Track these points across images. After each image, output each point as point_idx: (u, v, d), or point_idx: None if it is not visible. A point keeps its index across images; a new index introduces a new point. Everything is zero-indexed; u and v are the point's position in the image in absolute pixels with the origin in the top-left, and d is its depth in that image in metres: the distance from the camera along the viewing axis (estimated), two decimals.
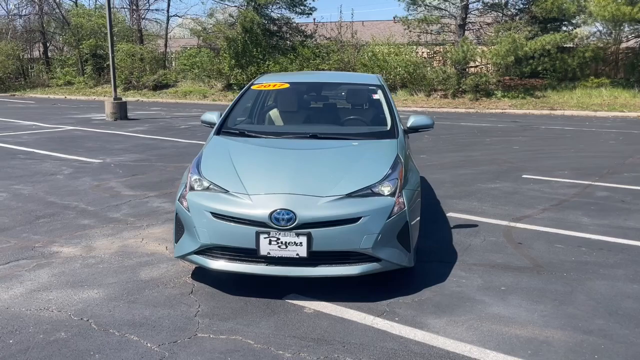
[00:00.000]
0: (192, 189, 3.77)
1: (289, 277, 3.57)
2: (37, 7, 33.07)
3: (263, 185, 3.63)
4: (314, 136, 4.43)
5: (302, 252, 3.42)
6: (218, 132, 4.59)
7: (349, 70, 23.06)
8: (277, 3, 24.74)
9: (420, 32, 23.07)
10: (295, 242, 3.41)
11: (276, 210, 3.43)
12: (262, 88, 5.26)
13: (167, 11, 30.11)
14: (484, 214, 5.86)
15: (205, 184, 3.74)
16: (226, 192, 3.64)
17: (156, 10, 31.73)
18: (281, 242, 3.42)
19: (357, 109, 5.18)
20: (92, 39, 29.24)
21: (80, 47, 29.79)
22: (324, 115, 5.05)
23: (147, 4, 30.07)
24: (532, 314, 3.45)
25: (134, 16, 29.59)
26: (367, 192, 3.63)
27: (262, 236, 3.43)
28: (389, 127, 4.58)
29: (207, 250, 3.60)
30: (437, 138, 12.53)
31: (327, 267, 3.50)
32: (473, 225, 5.47)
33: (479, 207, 6.17)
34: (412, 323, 3.30)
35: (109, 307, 3.48)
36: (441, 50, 22.53)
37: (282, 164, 3.95)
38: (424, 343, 3.06)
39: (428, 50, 23.50)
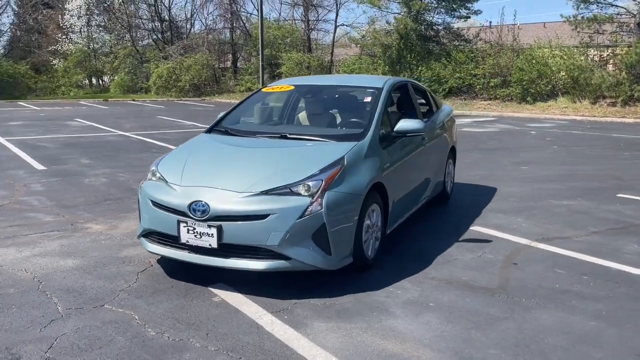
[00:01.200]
0: (149, 179, 4.23)
1: (204, 266, 3.81)
2: (228, 22, 37.13)
3: (195, 178, 3.94)
4: (284, 136, 4.58)
5: (214, 243, 3.66)
6: (209, 131, 4.98)
7: (505, 75, 21.82)
8: (436, 8, 24.38)
9: (592, 33, 20.82)
10: (207, 233, 3.66)
11: (194, 201, 3.71)
12: (271, 90, 5.53)
13: (335, 21, 31.56)
14: (513, 231, 5.38)
15: (157, 175, 4.17)
16: (166, 182, 4.02)
17: (324, 20, 33.10)
18: (197, 232, 3.69)
19: (344, 111, 5.16)
20: (268, 49, 31.89)
21: (258, 56, 32.68)
22: (314, 117, 5.13)
23: (317, 15, 31.82)
24: (428, 333, 3.22)
25: (304, 27, 31.56)
26: (285, 190, 3.71)
27: (182, 225, 3.75)
28: (361, 131, 4.52)
29: (148, 234, 4.03)
30: (563, 149, 11.44)
31: (237, 260, 3.67)
32: (485, 240, 5.08)
33: (516, 224, 5.66)
34: (294, 324, 3.32)
35: (67, 274, 4.09)
36: (612, 52, 20.06)
37: (224, 161, 4.21)
38: (282, 342, 3.09)
39: (598, 53, 21.09)
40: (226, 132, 4.86)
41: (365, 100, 4.96)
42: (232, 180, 3.84)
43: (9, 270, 4.17)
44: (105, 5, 45.07)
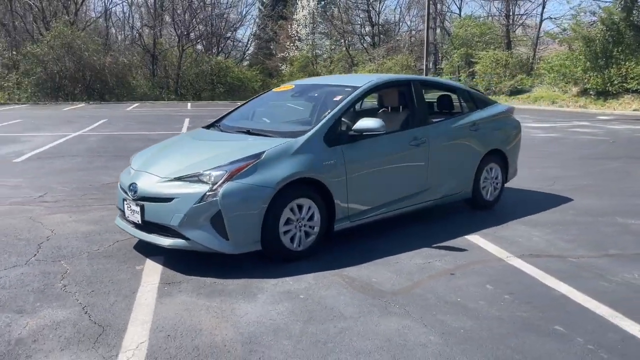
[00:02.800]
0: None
1: (138, 239, 4.52)
2: (431, 21, 37.21)
3: (142, 164, 4.68)
4: (247, 131, 5.03)
5: (139, 219, 4.36)
6: (208, 126, 5.65)
7: None
8: None
9: None
10: (136, 211, 4.38)
11: (132, 183, 4.46)
12: (278, 90, 5.97)
13: (541, 15, 29.26)
14: (507, 244, 4.97)
15: (130, 162, 5.03)
16: (130, 167, 4.84)
17: (525, 14, 30.75)
18: (131, 209, 4.44)
19: (314, 109, 5.31)
20: (464, 47, 31.13)
21: (454, 55, 32.14)
22: (283, 114, 5.40)
23: (519, 10, 29.87)
24: (259, 318, 3.43)
25: (505, 22, 29.92)
26: (194, 178, 4.20)
27: (125, 202, 4.53)
28: (303, 129, 4.73)
29: (120, 211, 4.91)
30: None
31: (154, 235, 4.30)
32: (459, 249, 4.81)
33: (524, 236, 5.20)
34: (163, 293, 3.81)
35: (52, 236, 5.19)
36: None
37: (173, 151, 4.83)
38: (136, 303, 3.62)
39: None
40: (218, 128, 5.47)
41: (335, 98, 5.09)
42: (163, 167, 4.48)
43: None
44: (327, 14, 48.61)
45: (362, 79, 5.44)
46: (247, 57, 54.94)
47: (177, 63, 35.83)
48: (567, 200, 6.68)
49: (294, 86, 5.92)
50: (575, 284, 3.99)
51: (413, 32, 40.15)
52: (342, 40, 45.95)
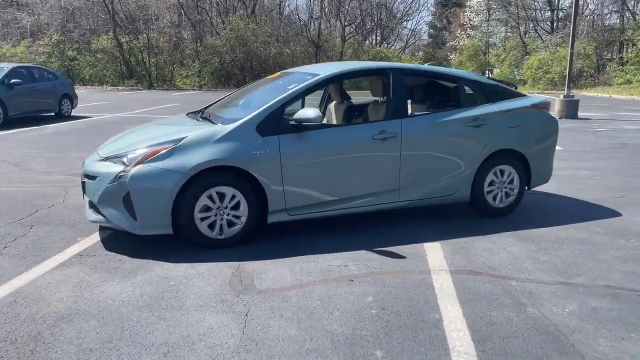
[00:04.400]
0: None
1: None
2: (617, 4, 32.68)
3: (103, 144, 5.05)
4: (207, 117, 5.10)
5: (82, 194, 4.77)
6: (193, 112, 5.79)
7: None
8: None
9: None
10: (82, 188, 4.79)
11: (84, 160, 4.89)
12: (269, 77, 5.87)
13: None
14: (463, 257, 4.41)
15: None
16: None
17: None
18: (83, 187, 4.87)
19: (268, 98, 5.09)
20: None
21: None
22: (252, 101, 5.25)
23: None
24: (107, 294, 3.58)
25: None
26: (117, 159, 4.44)
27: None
28: (238, 117, 4.67)
29: None
30: None
31: (90, 210, 4.65)
32: (399, 256, 4.40)
33: (498, 252, 4.55)
34: (69, 265, 4.15)
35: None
36: None
37: (135, 133, 5.07)
38: (32, 271, 4.02)
39: None
40: (196, 114, 5.62)
41: (289, 87, 4.91)
42: (109, 147, 4.80)
43: None
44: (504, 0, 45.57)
45: (331, 67, 5.16)
46: (412, 46, 54.14)
47: (339, 53, 36.82)
48: (611, 214, 5.57)
49: (280, 74, 5.82)
50: (472, 310, 3.39)
51: (595, 17, 35.65)
52: (518, 27, 42.80)
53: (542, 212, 5.68)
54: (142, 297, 3.52)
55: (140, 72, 35.21)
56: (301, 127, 4.58)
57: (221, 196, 4.40)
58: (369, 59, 35.10)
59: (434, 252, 4.43)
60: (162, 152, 4.31)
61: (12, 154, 8.94)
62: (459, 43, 47.96)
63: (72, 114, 15.64)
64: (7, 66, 13.77)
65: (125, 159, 4.36)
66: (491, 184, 5.39)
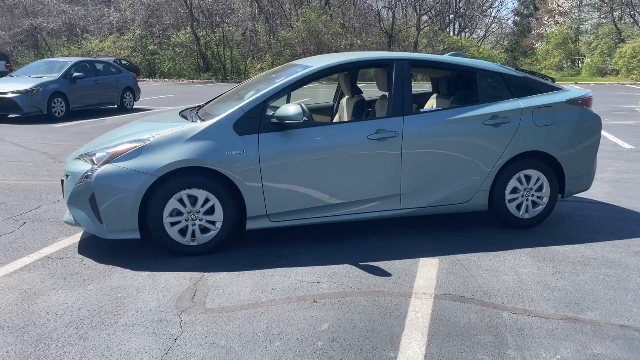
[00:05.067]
0: None
1: None
2: None
3: (90, 141, 4.87)
4: (197, 113, 4.79)
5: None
6: (192, 108, 5.48)
7: None
8: None
9: None
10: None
11: None
12: (275, 69, 5.45)
13: None
14: (459, 278, 3.82)
15: None
16: None
17: None
18: None
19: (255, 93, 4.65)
20: None
21: None
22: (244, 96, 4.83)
23: None
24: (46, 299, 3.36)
25: None
26: (87, 157, 4.20)
27: None
28: (217, 114, 4.30)
29: None
30: None
31: (67, 212, 4.48)
32: (386, 274, 3.89)
33: (503, 274, 3.92)
34: (33, 268, 4.00)
35: None
36: None
37: (120, 130, 4.82)
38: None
39: None
40: (191, 111, 5.29)
41: (276, 81, 4.47)
42: (89, 145, 4.60)
43: None
44: None
45: (332, 59, 4.67)
46: (496, 36, 51.57)
47: (414, 44, 35.72)
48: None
49: (284, 66, 5.39)
50: (438, 350, 2.84)
51: None
52: (612, 13, 39.54)
53: (577, 225, 4.89)
54: (79, 311, 3.26)
55: (216, 66, 35.98)
56: (284, 125, 4.13)
57: (193, 200, 4.07)
58: (445, 50, 33.74)
59: (427, 270, 3.86)
60: (130, 151, 4.03)
61: (56, 147, 9.14)
62: (545, 31, 45.13)
63: (135, 107, 16.03)
64: (71, 61, 14.29)
65: (94, 158, 4.12)
66: (514, 191, 4.69)
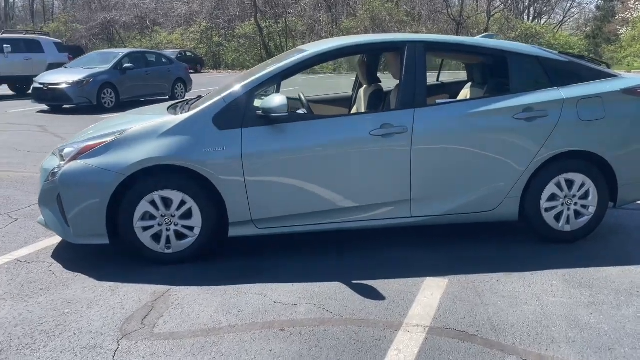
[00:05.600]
0: None
1: None
2: None
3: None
4: (187, 103, 4.34)
5: None
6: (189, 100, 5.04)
7: None
8: None
9: None
10: None
11: None
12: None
13: None
14: (468, 304, 3.16)
15: None
16: None
17: None
18: None
19: None
20: None
21: None
22: None
23: None
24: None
25: None
26: (58, 152, 3.85)
27: None
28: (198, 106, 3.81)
29: None
30: None
31: None
32: (375, 297, 3.30)
33: (524, 303, 3.22)
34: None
35: None
36: None
37: (107, 122, 4.44)
38: None
39: None
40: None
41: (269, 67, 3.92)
42: (71, 140, 4.24)
43: None
44: None
45: (334, 43, 4.06)
46: (577, 21, 48.41)
47: (483, 30, 34.04)
48: None
49: (292, 51, 4.82)
50: None
51: None
52: None
53: (633, 241, 4.04)
54: (14, 328, 2.88)
55: None
56: (271, 118, 3.59)
57: (167, 202, 3.61)
58: (517, 36, 31.92)
59: (430, 294, 3.21)
60: (99, 147, 3.62)
61: None
62: (632, 15, 41.71)
63: (186, 97, 15.98)
64: (122, 52, 14.38)
65: (63, 153, 3.75)
66: (552, 198, 3.92)
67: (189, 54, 33.24)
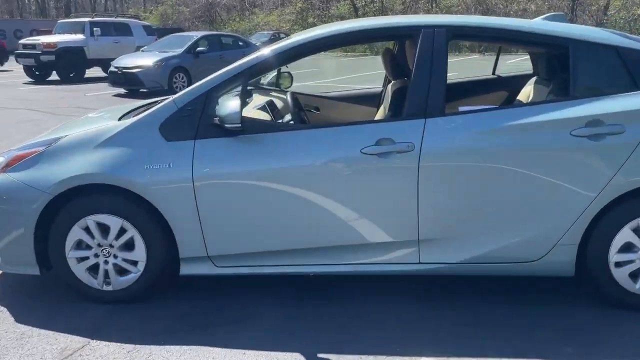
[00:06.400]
0: None
1: None
2: None
3: None
4: None
5: None
6: None
7: None
8: None
9: None
10: None
11: None
12: None
13: None
14: None
15: None
16: None
17: None
18: None
19: None
20: None
21: None
22: None
23: None
24: None
25: None
26: None
27: None
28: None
29: None
30: None
31: None
32: None
33: None
34: None
35: None
36: None
37: (71, 124, 3.80)
38: None
39: None
40: None
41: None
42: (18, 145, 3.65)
43: None
44: None
45: (322, 29, 3.10)
46: None
47: (603, 7, 30.51)
48: None
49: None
50: None
51: None
52: None
53: None
54: None
55: None
56: (228, 129, 2.74)
57: (104, 229, 2.90)
58: None
59: None
60: (29, 157, 2.97)
61: None
62: None
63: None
64: (196, 35, 14.11)
65: None
66: (628, 248, 2.75)
67: (282, 35, 32.91)
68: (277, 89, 4.42)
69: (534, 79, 3.74)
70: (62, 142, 2.96)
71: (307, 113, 3.74)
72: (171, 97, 2.92)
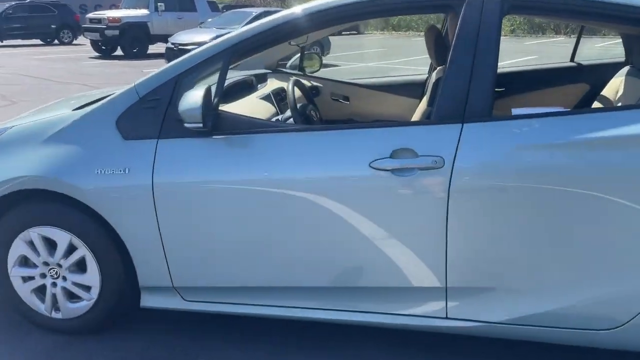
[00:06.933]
0: None
1: None
2: None
3: None
4: None
5: None
6: None
7: None
8: None
9: None
10: None
11: None
12: None
13: None
14: None
15: None
16: None
17: None
18: None
19: None
20: None
21: None
22: None
23: None
24: None
25: None
26: None
27: None
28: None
29: None
30: None
31: None
32: None
33: None
34: None
35: None
36: None
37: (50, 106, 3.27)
38: None
39: None
40: None
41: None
42: None
43: None
44: None
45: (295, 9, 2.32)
46: None
47: None
48: None
49: None
50: None
51: None
52: None
53: None
54: None
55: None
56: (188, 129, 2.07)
57: (50, 244, 2.34)
58: None
59: None
60: None
61: None
62: None
63: (324, 62, 14.78)
64: (254, 11, 13.58)
65: None
66: None
67: None
68: (301, 73, 3.71)
69: (626, 68, 2.83)
70: (7, 133, 2.40)
71: (314, 108, 3.01)
72: (133, 84, 2.27)
